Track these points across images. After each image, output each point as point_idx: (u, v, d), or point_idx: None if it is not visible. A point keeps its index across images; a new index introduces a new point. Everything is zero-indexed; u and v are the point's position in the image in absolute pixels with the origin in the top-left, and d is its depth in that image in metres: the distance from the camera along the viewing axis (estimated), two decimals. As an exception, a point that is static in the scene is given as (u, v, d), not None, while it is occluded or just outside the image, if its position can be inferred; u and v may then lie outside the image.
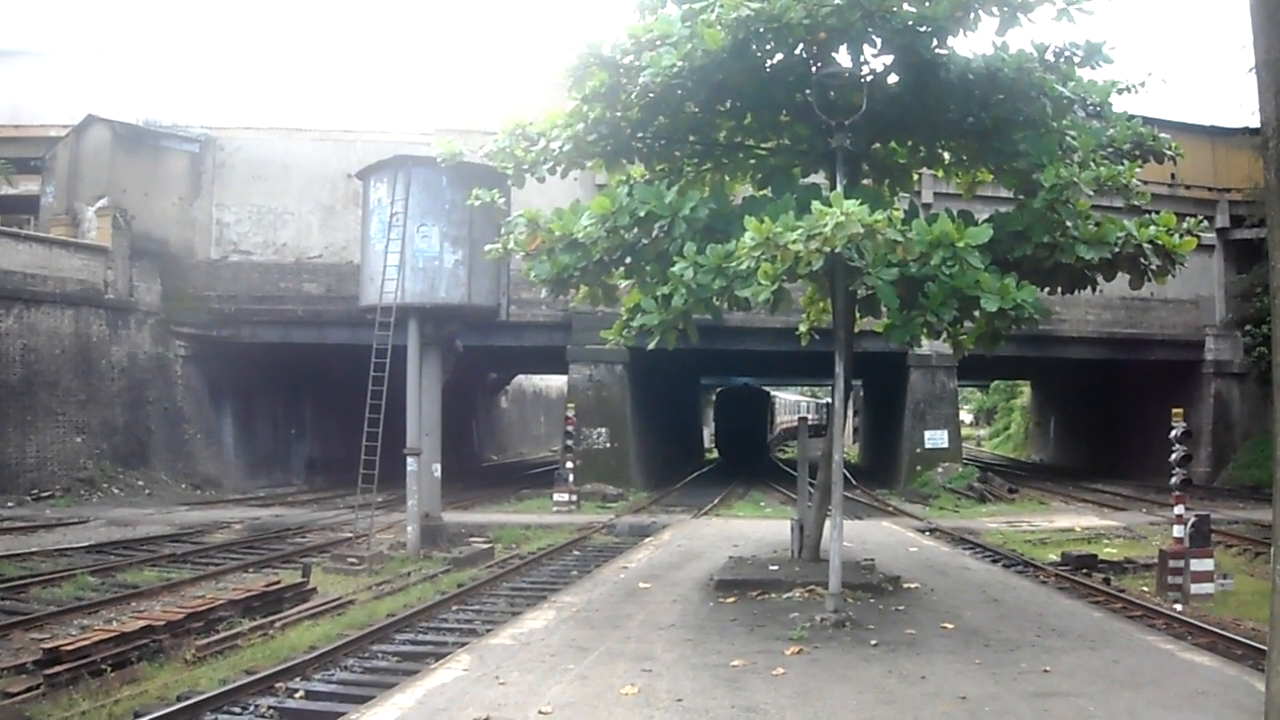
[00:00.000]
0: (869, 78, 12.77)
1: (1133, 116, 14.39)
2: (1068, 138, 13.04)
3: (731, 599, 13.30)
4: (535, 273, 13.26)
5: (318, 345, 34.13)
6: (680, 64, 11.83)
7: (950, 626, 11.70)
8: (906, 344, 13.00)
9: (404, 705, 8.58)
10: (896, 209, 11.64)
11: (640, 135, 13.82)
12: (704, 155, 14.84)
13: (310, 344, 34.21)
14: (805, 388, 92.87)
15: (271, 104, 34.68)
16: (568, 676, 9.44)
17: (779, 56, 12.62)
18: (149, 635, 11.57)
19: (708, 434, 73.98)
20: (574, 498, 28.33)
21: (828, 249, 9.94)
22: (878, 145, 14.37)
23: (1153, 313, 38.60)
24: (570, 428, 30.47)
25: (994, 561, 19.04)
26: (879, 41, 12.39)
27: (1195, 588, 15.56)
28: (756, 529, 21.81)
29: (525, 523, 24.74)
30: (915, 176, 15.79)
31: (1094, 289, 13.82)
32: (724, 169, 15.09)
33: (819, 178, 14.24)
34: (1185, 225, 12.96)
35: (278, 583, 15.00)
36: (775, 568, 14.71)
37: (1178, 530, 16.23)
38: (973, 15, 11.75)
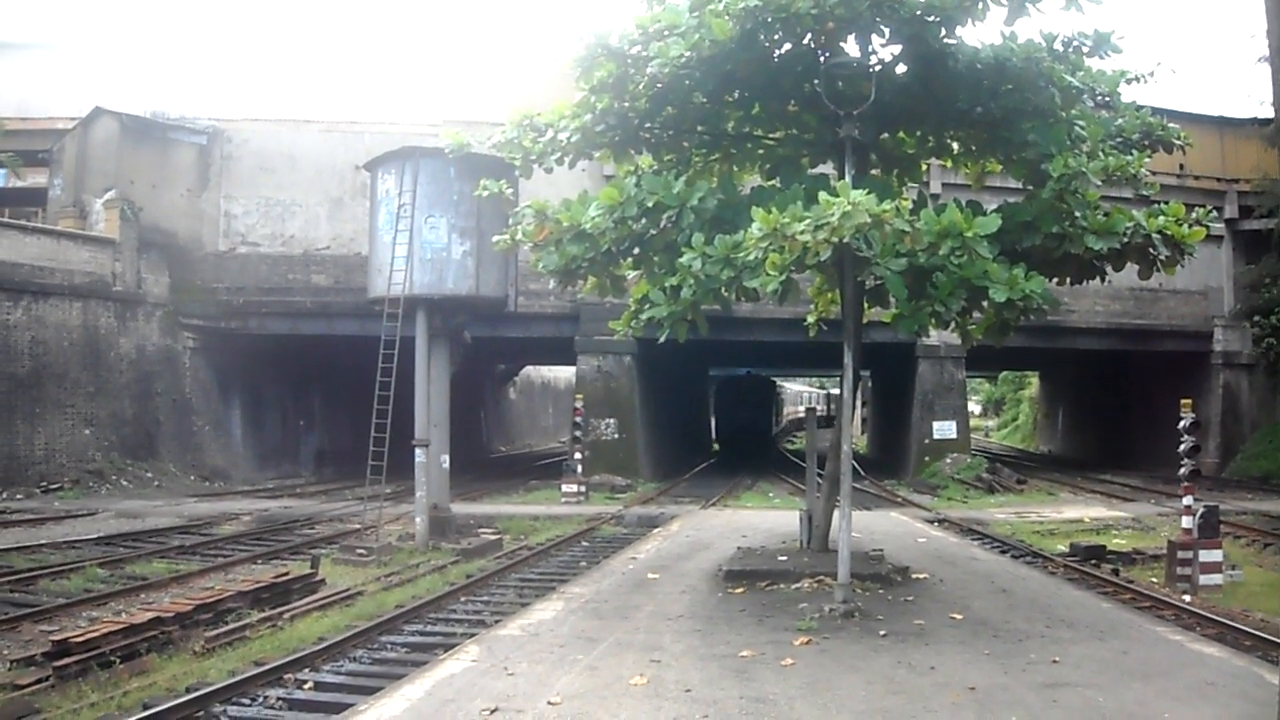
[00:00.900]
0: (877, 68, 12.75)
1: (1141, 106, 14.35)
2: (1076, 128, 12.99)
3: (740, 590, 13.30)
4: (543, 264, 13.27)
5: (326, 337, 34.13)
6: (688, 54, 11.84)
7: (959, 617, 11.70)
8: (915, 334, 13.00)
9: (413, 696, 8.59)
10: (905, 199, 11.63)
11: (648, 126, 13.83)
12: (712, 145, 14.84)
13: (318, 335, 34.20)
14: (813, 378, 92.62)
15: (279, 95, 34.60)
16: (577, 667, 9.45)
17: (787, 46, 12.61)
18: (158, 627, 11.61)
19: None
20: (582, 489, 28.36)
21: (836, 239, 9.93)
22: (886, 135, 14.36)
23: (1161, 303, 38.49)
24: (578, 419, 30.46)
25: (1002, 552, 19.02)
26: (887, 31, 12.40)
27: (1204, 579, 15.51)
28: (765, 520, 21.82)
29: (534, 514, 24.75)
30: (924, 166, 15.73)
31: (1102, 279, 13.81)
32: (732, 159, 15.09)
33: (827, 168, 14.19)
34: (1194, 215, 12.91)
35: (286, 574, 15.03)
36: (784, 558, 14.71)
37: (1186, 521, 16.17)
38: (981, 5, 11.74)
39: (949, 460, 34.68)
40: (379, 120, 33.31)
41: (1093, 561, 17.86)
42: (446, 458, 20.08)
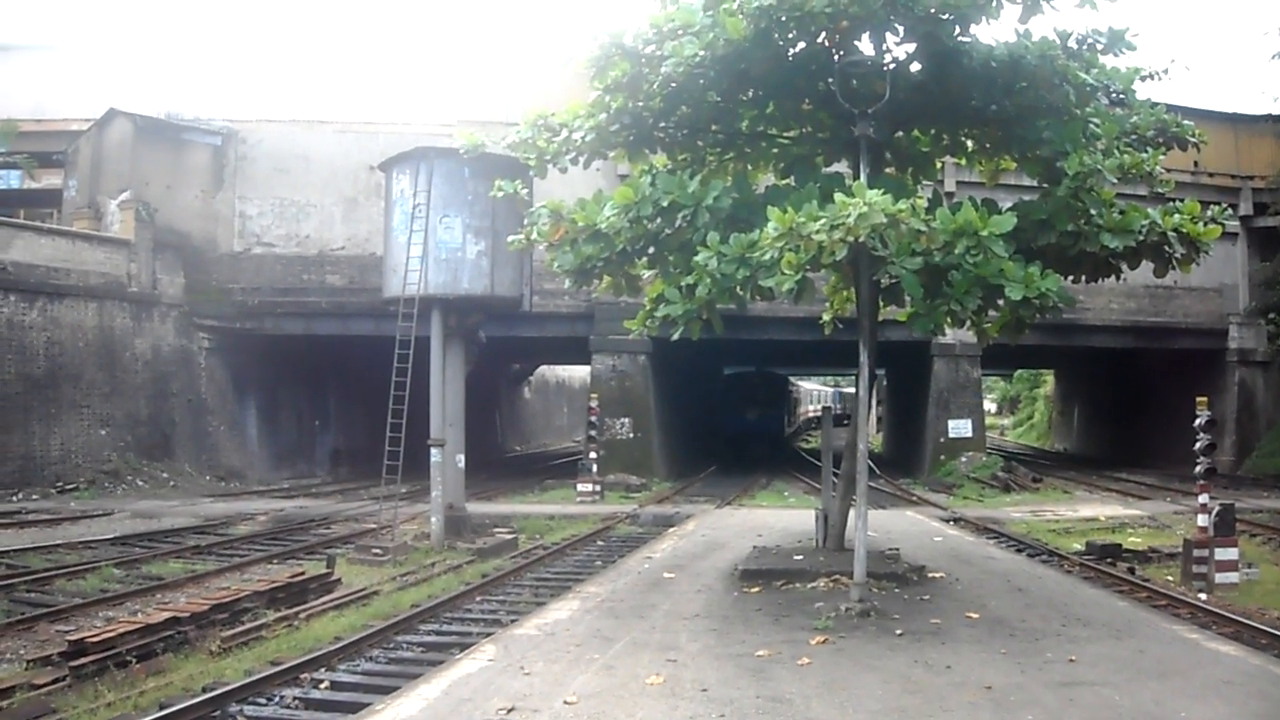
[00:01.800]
0: (891, 66, 12.71)
1: (1156, 104, 14.30)
2: (1091, 125, 12.95)
3: (756, 589, 13.29)
4: (558, 263, 13.28)
5: (341, 337, 34.23)
6: (702, 53, 11.85)
7: (975, 616, 11.68)
8: (930, 333, 12.98)
9: (429, 696, 8.61)
10: (920, 198, 11.62)
11: (663, 125, 13.83)
12: (726, 144, 14.83)
13: (333, 336, 34.31)
14: (829, 376, 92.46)
15: (293, 96, 34.68)
16: (593, 666, 9.46)
17: (801, 45, 12.60)
18: (174, 627, 11.65)
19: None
20: (597, 488, 28.39)
21: (851, 239, 9.92)
22: (900, 134, 14.32)
23: (1176, 301, 38.34)
24: (593, 418, 30.49)
25: (1018, 551, 19.00)
26: (901, 29, 12.37)
27: (1220, 577, 15.46)
28: (780, 519, 21.80)
29: (549, 513, 24.78)
30: (938, 165, 15.67)
31: (1118, 277, 13.77)
32: (746, 158, 15.08)
33: (842, 166, 14.16)
34: (1210, 213, 12.87)
35: (302, 574, 15.08)
36: (800, 557, 14.70)
37: (1202, 519, 16.11)
38: (995, 2, 11.72)
39: (964, 459, 34.61)
40: (393, 120, 33.38)
41: (1108, 560, 17.83)
42: (462, 457, 20.11)
